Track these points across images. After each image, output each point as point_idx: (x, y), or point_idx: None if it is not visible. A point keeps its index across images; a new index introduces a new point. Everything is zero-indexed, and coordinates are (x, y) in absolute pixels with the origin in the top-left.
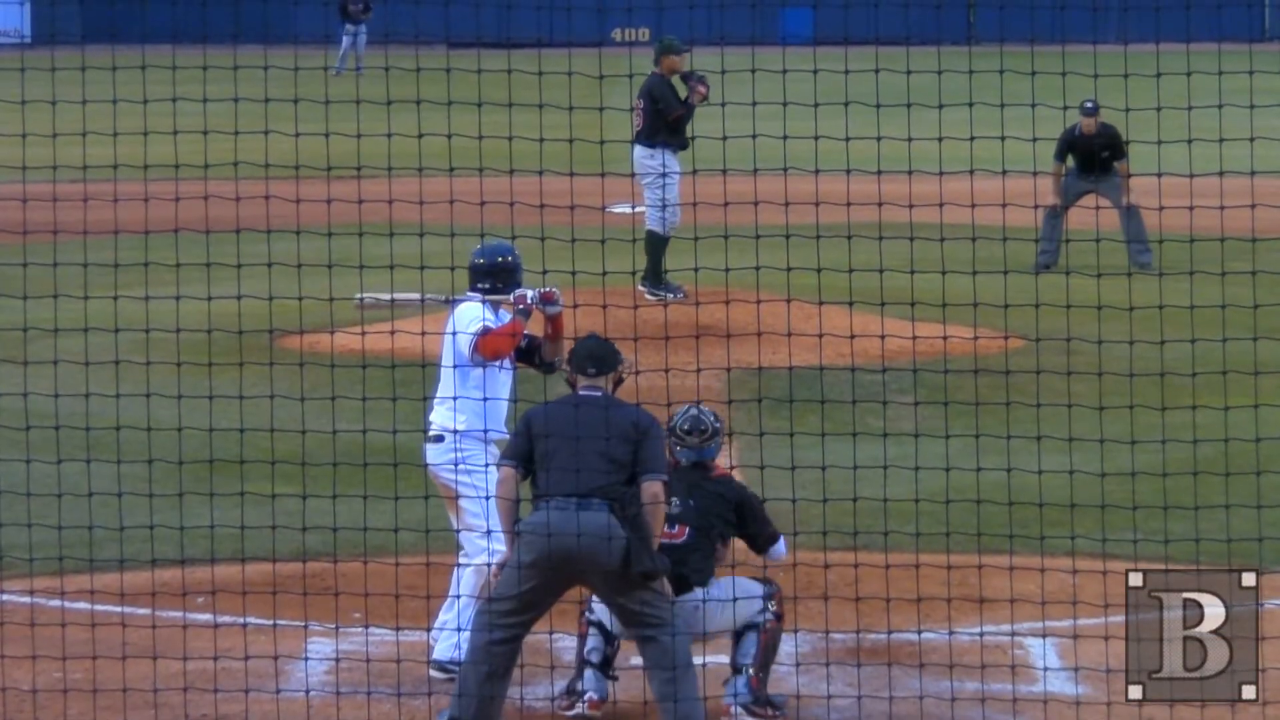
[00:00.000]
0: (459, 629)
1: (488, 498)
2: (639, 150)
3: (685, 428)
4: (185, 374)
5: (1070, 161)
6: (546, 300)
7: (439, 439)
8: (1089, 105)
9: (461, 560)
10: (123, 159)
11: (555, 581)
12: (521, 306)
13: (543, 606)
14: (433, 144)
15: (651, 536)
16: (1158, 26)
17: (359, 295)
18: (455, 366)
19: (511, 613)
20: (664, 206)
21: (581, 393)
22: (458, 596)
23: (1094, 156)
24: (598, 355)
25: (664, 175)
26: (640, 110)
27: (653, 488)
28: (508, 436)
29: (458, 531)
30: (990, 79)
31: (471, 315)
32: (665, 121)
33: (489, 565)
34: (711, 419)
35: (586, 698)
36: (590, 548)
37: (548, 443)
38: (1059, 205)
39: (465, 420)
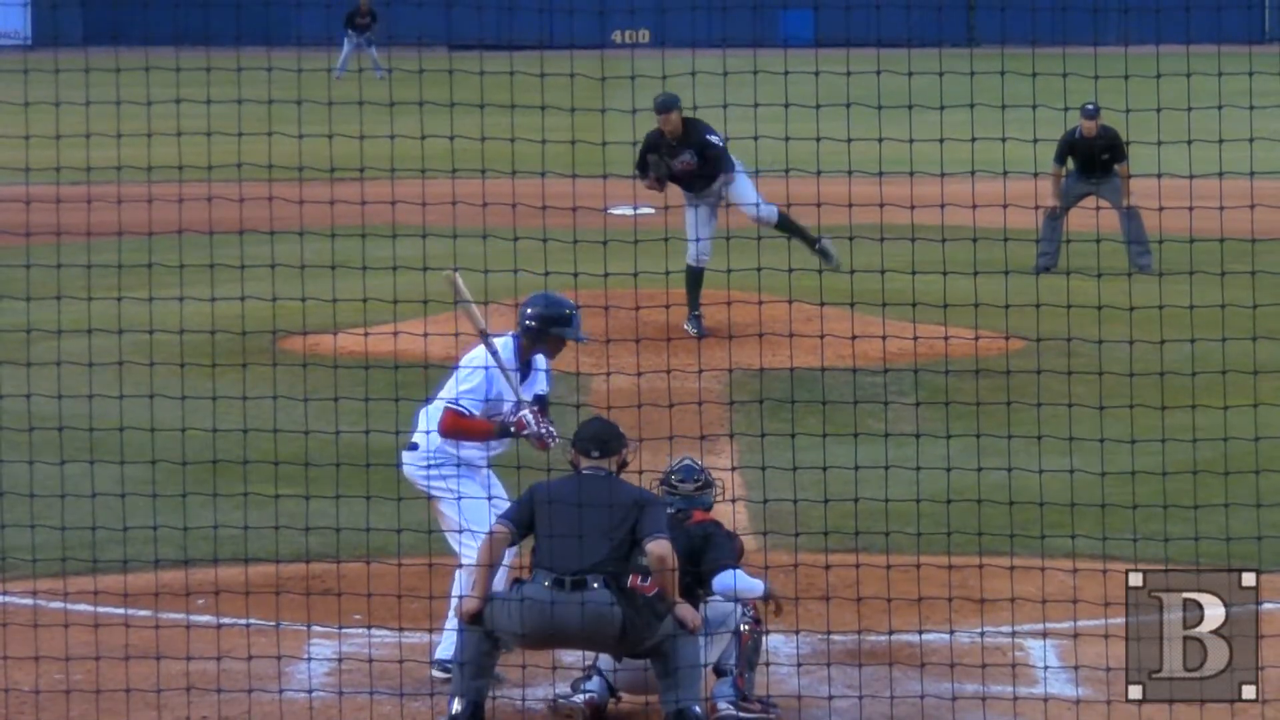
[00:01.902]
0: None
1: (459, 498)
2: None
3: (679, 476)
4: (188, 375)
5: (1070, 164)
6: (537, 441)
7: (413, 446)
8: (1090, 108)
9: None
10: (126, 161)
11: (552, 645)
12: (516, 429)
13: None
14: (435, 145)
15: (640, 602)
16: (1158, 28)
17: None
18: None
19: (503, 634)
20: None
21: (585, 472)
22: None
23: (1094, 159)
24: (601, 439)
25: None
26: None
27: (657, 549)
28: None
29: (445, 532)
30: (991, 80)
31: (473, 358)
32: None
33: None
34: (704, 473)
35: (586, 697)
36: (592, 628)
37: (551, 513)
38: (1059, 207)
39: (442, 444)
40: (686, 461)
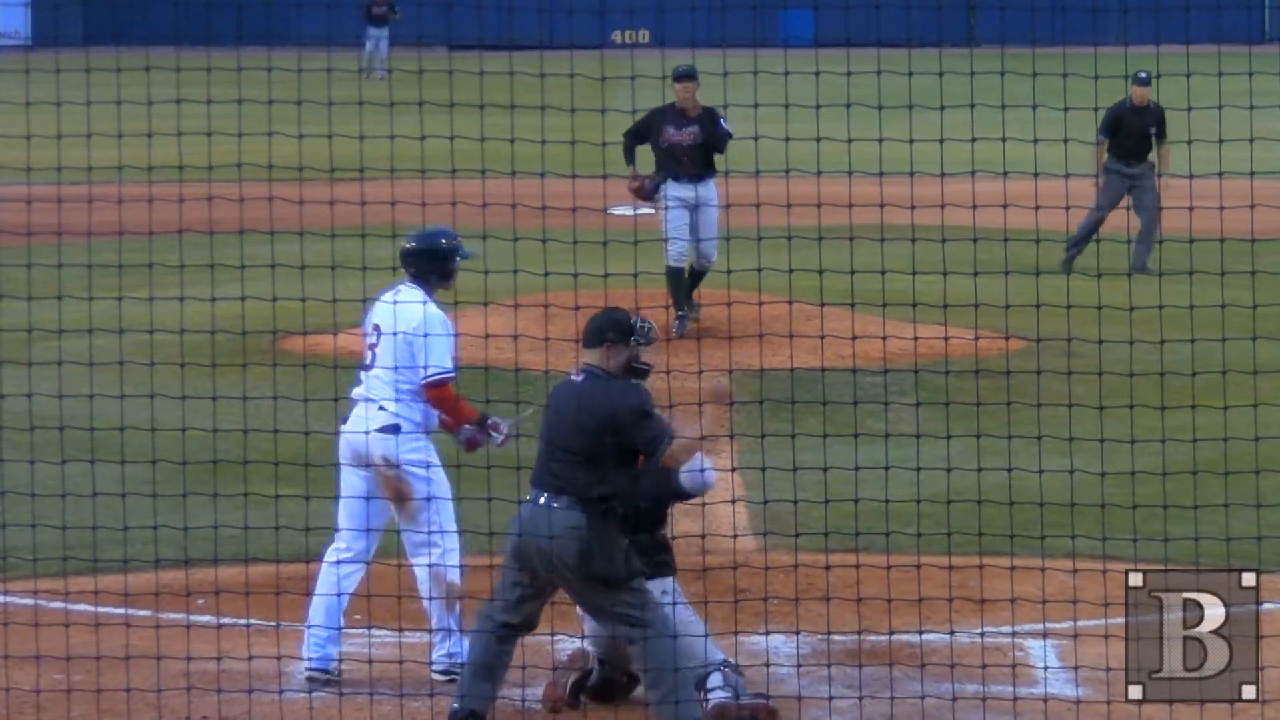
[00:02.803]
0: (455, 630)
1: (447, 499)
2: None
3: None
4: (189, 375)
5: (1105, 157)
6: (493, 429)
7: (395, 428)
8: (1143, 75)
9: (417, 562)
10: (127, 161)
11: (538, 577)
12: (494, 434)
13: (538, 600)
14: (435, 146)
15: (615, 542)
16: (1158, 28)
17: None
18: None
19: (508, 605)
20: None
21: (572, 374)
22: (428, 598)
23: (1140, 133)
24: (591, 328)
25: (665, 209)
26: None
27: (664, 459)
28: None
29: (407, 531)
30: (991, 81)
31: (438, 322)
32: (652, 147)
33: (443, 567)
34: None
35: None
36: (555, 546)
37: (544, 423)
38: (1102, 198)
39: (418, 418)
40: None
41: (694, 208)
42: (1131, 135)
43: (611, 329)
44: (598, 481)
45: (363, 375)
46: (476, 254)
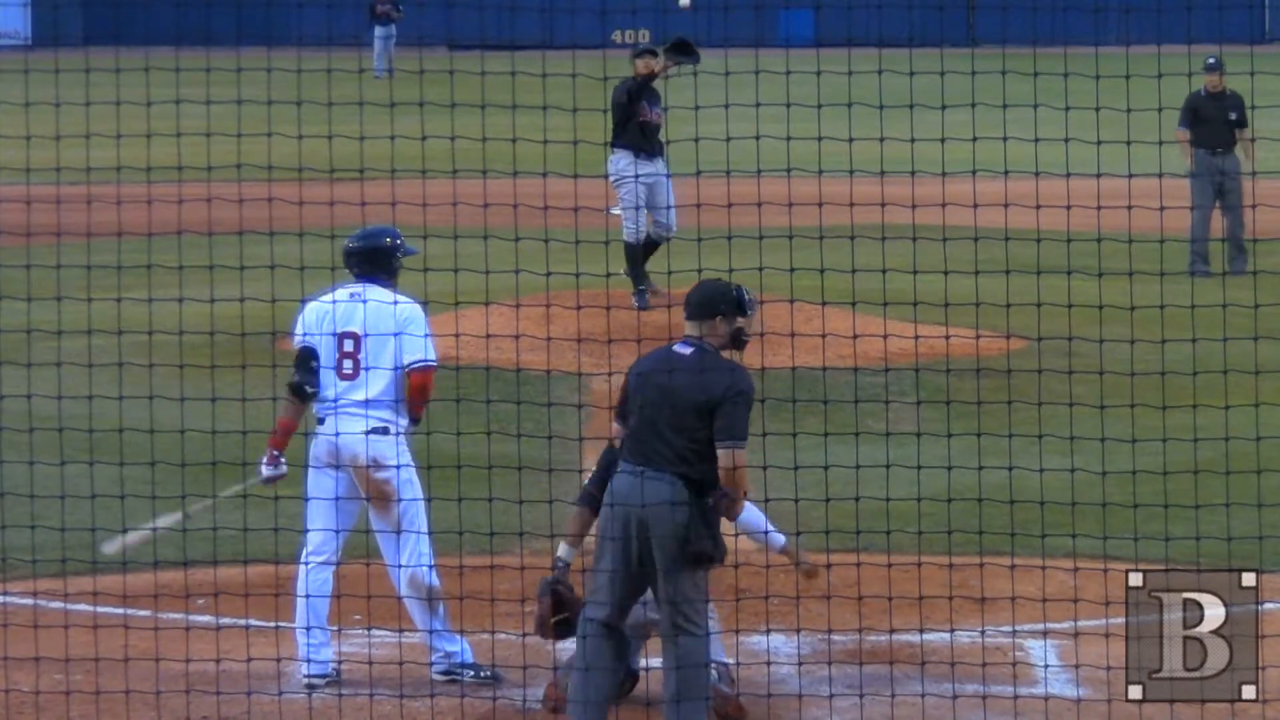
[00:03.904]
0: (444, 630)
1: (429, 499)
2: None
3: None
4: (188, 376)
5: (1192, 158)
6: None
7: (384, 430)
8: (1211, 61)
9: (393, 564)
10: (126, 161)
11: (631, 553)
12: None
13: (628, 582)
14: (436, 146)
15: (717, 519)
16: (1159, 28)
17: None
18: (409, 366)
19: (601, 590)
20: (627, 212)
21: (676, 346)
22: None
23: (1221, 121)
24: (693, 299)
25: (618, 182)
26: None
27: (726, 458)
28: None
29: (383, 531)
30: (992, 80)
31: (419, 318)
32: (626, 124)
33: (429, 568)
34: None
35: None
36: (654, 516)
37: (634, 402)
38: (1197, 196)
39: (403, 420)
40: None
41: (649, 185)
42: (1212, 122)
43: (724, 301)
44: (704, 460)
45: (338, 381)
46: (418, 251)
